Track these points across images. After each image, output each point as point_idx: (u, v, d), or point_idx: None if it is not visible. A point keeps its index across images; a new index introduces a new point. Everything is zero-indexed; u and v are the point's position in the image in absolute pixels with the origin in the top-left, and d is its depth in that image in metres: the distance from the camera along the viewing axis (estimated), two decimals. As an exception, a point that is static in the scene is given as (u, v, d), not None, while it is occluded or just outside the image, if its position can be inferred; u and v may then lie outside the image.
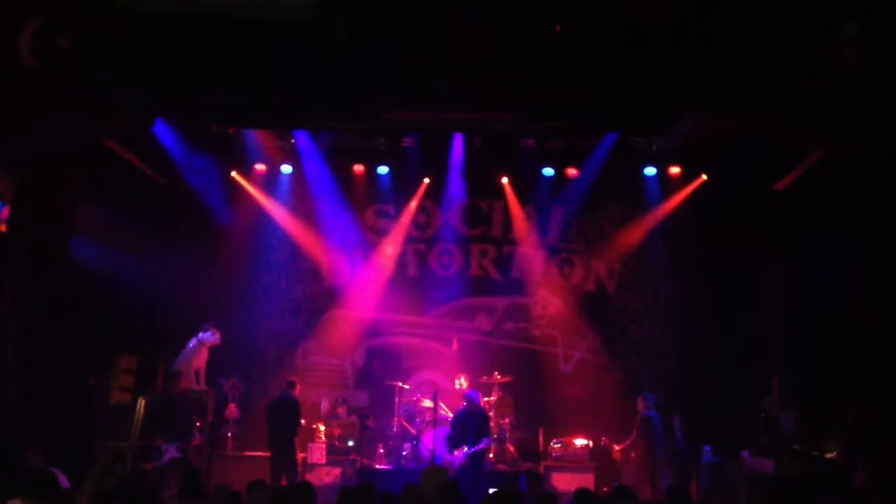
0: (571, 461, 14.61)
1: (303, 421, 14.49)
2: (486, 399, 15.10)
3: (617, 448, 14.57)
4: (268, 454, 14.25)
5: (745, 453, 13.36)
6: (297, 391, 14.55)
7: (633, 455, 14.22)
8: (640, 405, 14.11)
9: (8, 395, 11.28)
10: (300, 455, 14.42)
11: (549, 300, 16.96)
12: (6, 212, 12.03)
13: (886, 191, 11.09)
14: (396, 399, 15.36)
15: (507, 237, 17.09)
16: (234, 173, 16.39)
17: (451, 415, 14.97)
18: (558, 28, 9.78)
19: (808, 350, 13.95)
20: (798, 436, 13.19)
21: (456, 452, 13.63)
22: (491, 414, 14.94)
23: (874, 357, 11.19)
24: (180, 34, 10.01)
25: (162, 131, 13.95)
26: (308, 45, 10.03)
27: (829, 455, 12.55)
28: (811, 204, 13.89)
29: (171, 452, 12.83)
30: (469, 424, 13.77)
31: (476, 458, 13.64)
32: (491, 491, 9.61)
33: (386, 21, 9.85)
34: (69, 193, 12.28)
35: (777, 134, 12.13)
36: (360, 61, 10.13)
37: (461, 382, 15.40)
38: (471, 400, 14.03)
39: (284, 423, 14.04)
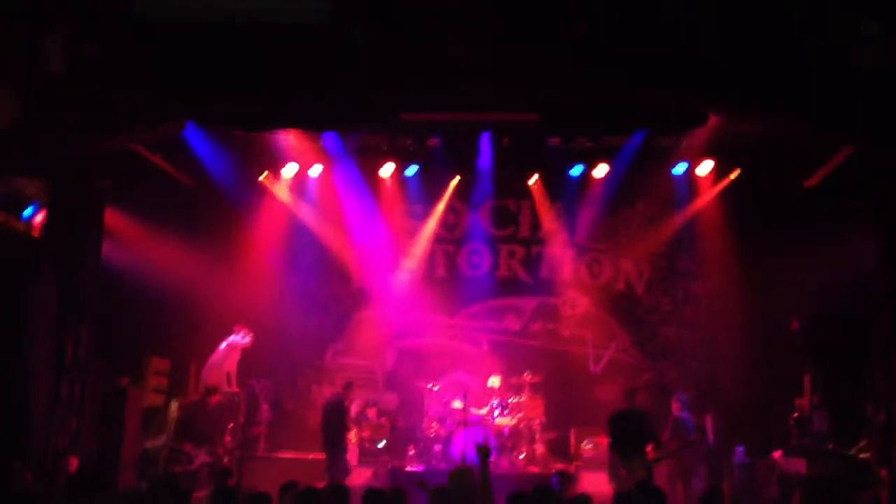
0: (603, 462, 14.49)
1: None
2: (515, 399, 15.06)
3: (649, 449, 14.45)
4: (299, 455, 14.38)
5: (777, 454, 13.22)
6: (350, 393, 14.32)
7: (665, 455, 14.10)
8: (674, 406, 13.96)
9: (39, 399, 11.38)
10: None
11: (578, 300, 16.90)
12: (38, 217, 12.16)
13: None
14: (426, 400, 15.35)
15: (535, 237, 17.04)
16: (262, 175, 16.46)
17: (481, 412, 15.00)
18: (584, 29, 9.75)
19: (840, 349, 13.78)
20: (831, 436, 13.04)
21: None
22: (520, 415, 14.91)
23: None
24: (203, 41, 10.10)
25: (191, 134, 14.01)
26: (332, 49, 10.08)
27: (863, 455, 12.39)
28: (842, 201, 13.72)
29: (201, 457, 12.88)
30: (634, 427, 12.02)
31: None
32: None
33: (403, 23, 9.87)
34: (99, 198, 12.38)
35: (802, 133, 12.01)
36: (377, 63, 10.16)
37: (495, 382, 15.37)
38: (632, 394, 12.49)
39: (328, 425, 13.97)
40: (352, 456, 14.44)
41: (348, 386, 14.27)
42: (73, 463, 11.12)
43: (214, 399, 13.51)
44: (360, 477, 14.04)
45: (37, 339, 11.50)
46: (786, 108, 11.07)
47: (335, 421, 13.87)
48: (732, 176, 15.80)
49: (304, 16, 10.20)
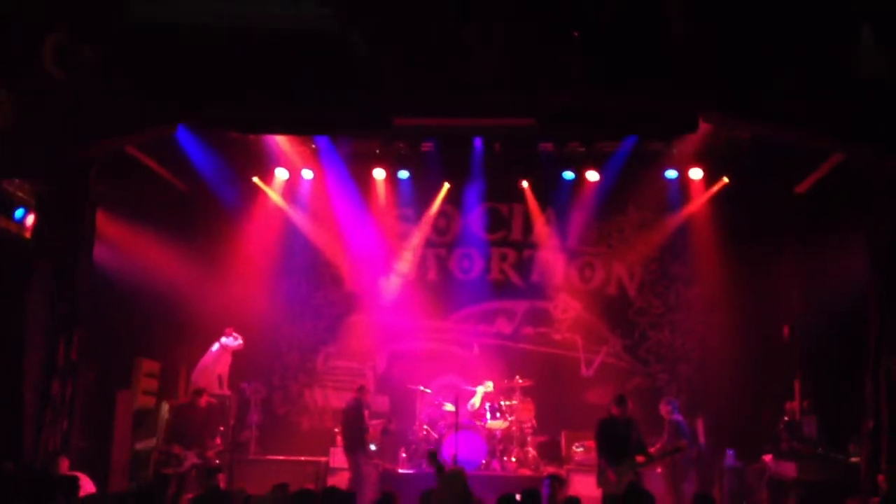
0: (593, 465, 14.50)
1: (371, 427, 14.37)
2: (507, 403, 15.10)
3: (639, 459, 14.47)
4: (289, 458, 14.45)
5: (767, 457, 13.27)
6: (364, 396, 14.22)
7: (657, 458, 14.13)
8: (664, 409, 13.98)
9: (30, 400, 11.37)
10: (322, 459, 14.51)
11: (569, 304, 16.95)
12: (29, 219, 12.14)
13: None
14: (418, 403, 15.38)
15: (527, 241, 17.09)
16: (255, 178, 16.47)
17: (474, 403, 15.13)
18: (576, 34, 9.80)
19: (830, 353, 13.84)
20: (821, 441, 13.10)
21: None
22: (511, 418, 14.94)
23: (891, 362, 11.08)
24: (198, 44, 10.13)
25: (184, 137, 14.01)
26: (328, 54, 10.12)
27: (853, 460, 12.44)
28: (832, 206, 13.81)
29: (190, 459, 12.84)
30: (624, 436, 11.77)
31: None
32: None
33: (404, 30, 9.92)
34: (91, 200, 12.35)
35: (792, 139, 12.07)
36: (378, 69, 10.20)
37: (488, 387, 15.35)
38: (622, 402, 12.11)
39: (347, 429, 14.00)
40: (343, 458, 14.44)
41: (361, 389, 14.26)
42: (64, 463, 11.09)
43: (202, 401, 13.46)
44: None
45: (29, 340, 11.48)
46: (777, 115, 11.11)
47: (352, 423, 13.88)
48: (721, 183, 15.89)
49: (302, 21, 10.24)
